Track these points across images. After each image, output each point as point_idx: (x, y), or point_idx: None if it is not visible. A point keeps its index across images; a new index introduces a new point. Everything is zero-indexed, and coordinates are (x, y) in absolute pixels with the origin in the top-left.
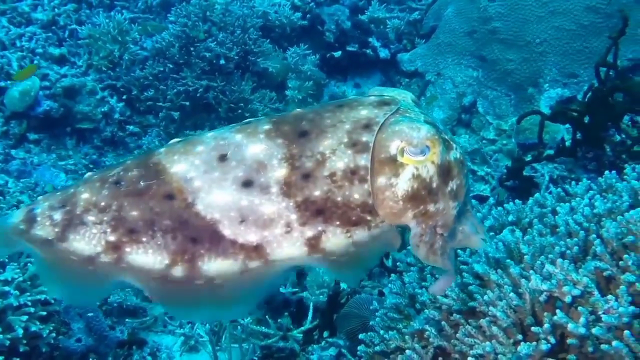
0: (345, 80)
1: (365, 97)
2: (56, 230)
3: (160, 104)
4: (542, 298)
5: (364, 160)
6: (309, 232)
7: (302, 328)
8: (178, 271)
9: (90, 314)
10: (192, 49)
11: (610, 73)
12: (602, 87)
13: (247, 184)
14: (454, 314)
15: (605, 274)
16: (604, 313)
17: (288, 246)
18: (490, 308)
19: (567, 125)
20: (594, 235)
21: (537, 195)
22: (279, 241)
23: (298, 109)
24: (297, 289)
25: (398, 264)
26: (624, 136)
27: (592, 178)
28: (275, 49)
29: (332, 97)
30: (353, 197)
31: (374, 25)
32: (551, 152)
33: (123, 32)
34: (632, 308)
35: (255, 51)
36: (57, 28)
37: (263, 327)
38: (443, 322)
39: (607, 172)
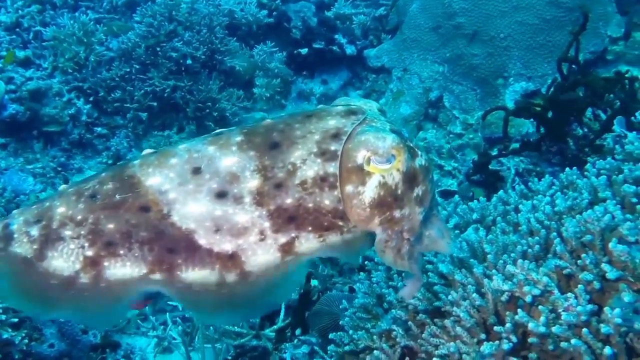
0: (313, 77)
1: (333, 107)
2: (34, 247)
3: (128, 105)
4: (503, 298)
5: (332, 168)
6: (282, 239)
7: (275, 327)
8: (157, 277)
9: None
10: (158, 49)
11: (573, 67)
12: (564, 82)
13: (221, 195)
14: (420, 314)
15: (565, 272)
16: (563, 311)
17: (262, 253)
18: (454, 308)
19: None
20: (555, 234)
21: (500, 192)
22: (254, 249)
23: (268, 120)
24: None
25: (367, 263)
26: (586, 130)
27: (556, 171)
28: (242, 47)
29: (299, 94)
30: (324, 203)
31: (340, 21)
32: (517, 145)
33: (88, 33)
34: (590, 306)
35: (222, 50)
36: (21, 30)
37: (235, 327)
38: (410, 322)
39: (568, 168)
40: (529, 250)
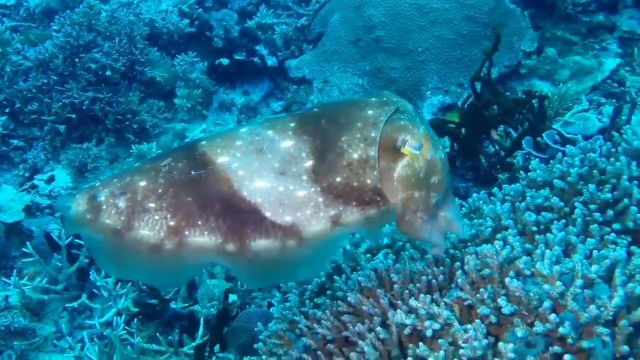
0: (234, 87)
1: (369, 99)
2: (122, 218)
3: (45, 117)
4: (406, 332)
5: (372, 152)
6: (332, 211)
7: (193, 344)
8: (230, 247)
9: None
10: (77, 60)
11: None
12: (477, 101)
13: (282, 172)
14: (329, 344)
15: (466, 303)
16: (463, 343)
17: (316, 224)
18: (359, 341)
19: None
20: (458, 263)
21: None
22: (309, 220)
23: (314, 108)
24: (187, 303)
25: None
26: (497, 148)
27: (469, 187)
28: (163, 56)
29: (221, 105)
30: (366, 182)
31: (261, 31)
32: None
33: (4, 42)
34: (485, 341)
35: (142, 60)
36: None
37: (154, 345)
38: (319, 352)
39: (474, 194)
40: (434, 280)
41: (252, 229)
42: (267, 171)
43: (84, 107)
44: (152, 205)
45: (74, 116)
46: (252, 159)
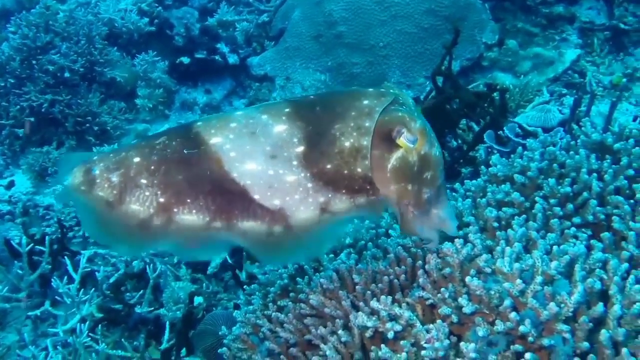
0: (196, 86)
1: (366, 89)
2: (114, 192)
3: (3, 121)
4: (368, 334)
5: (365, 142)
6: (321, 198)
7: (159, 348)
8: (217, 224)
9: None
10: (34, 62)
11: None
12: (439, 96)
13: (273, 156)
14: (292, 348)
15: (428, 302)
16: (425, 343)
17: (304, 210)
18: (322, 345)
19: None
20: (420, 262)
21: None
22: (297, 205)
23: (311, 96)
24: (153, 307)
25: (245, 287)
26: (460, 142)
27: None
28: (123, 56)
29: (183, 104)
30: (357, 170)
31: (222, 29)
32: None
33: None
34: (447, 342)
35: (102, 61)
36: None
37: (120, 351)
38: (282, 356)
39: None
40: (396, 280)
41: (240, 210)
42: (259, 154)
43: (42, 110)
44: (143, 181)
45: (32, 119)
46: (245, 141)
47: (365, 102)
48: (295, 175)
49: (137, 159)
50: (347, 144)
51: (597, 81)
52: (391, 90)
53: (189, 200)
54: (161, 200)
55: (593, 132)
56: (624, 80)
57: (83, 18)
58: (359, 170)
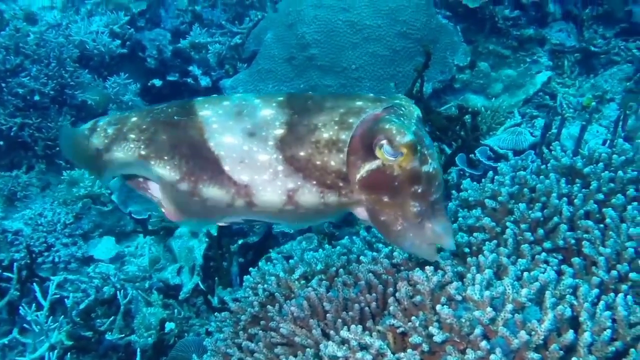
0: None
1: (366, 94)
2: (106, 141)
3: None
4: None
5: (344, 136)
6: (290, 184)
7: None
8: (184, 186)
9: None
10: (3, 84)
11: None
12: None
13: (251, 134)
14: None
15: (399, 330)
16: None
17: (271, 192)
18: None
19: None
20: (391, 289)
21: (345, 239)
22: (264, 185)
23: (310, 92)
24: (124, 334)
25: (216, 314)
26: None
27: None
28: (94, 78)
29: None
30: (330, 163)
31: (195, 51)
32: None
33: None
34: None
35: (72, 84)
36: None
37: None
38: None
39: None
40: (366, 308)
41: (209, 176)
42: (238, 130)
43: (12, 134)
44: (132, 136)
45: (1, 143)
46: (230, 117)
47: (359, 103)
48: (268, 155)
49: (134, 119)
50: (325, 135)
51: (568, 103)
52: (397, 101)
53: (166, 158)
54: (142, 152)
55: (563, 156)
56: (594, 103)
57: (54, 40)
58: (332, 163)
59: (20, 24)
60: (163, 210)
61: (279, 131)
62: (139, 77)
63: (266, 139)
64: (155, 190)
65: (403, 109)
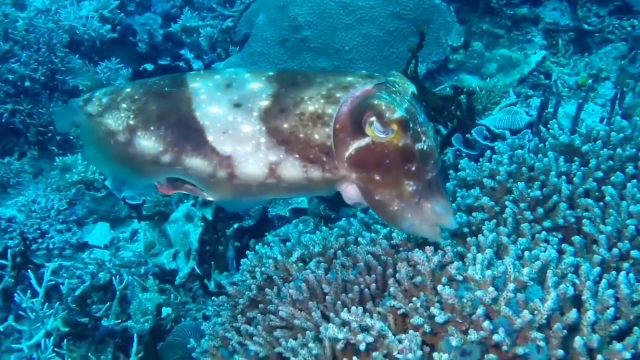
0: None
1: (359, 71)
2: (99, 109)
3: None
4: (339, 346)
5: (330, 110)
6: (272, 157)
7: None
8: (167, 158)
9: None
10: None
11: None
12: None
13: (237, 105)
14: None
15: (400, 312)
16: (398, 354)
17: (253, 164)
18: (292, 358)
19: None
20: (391, 270)
21: (342, 221)
22: (247, 157)
23: (302, 69)
24: (120, 319)
25: (213, 298)
26: None
27: None
28: (85, 64)
29: None
30: (313, 136)
31: (186, 34)
32: None
33: None
34: (419, 352)
35: (63, 69)
36: None
37: None
38: None
39: None
40: (366, 290)
41: (192, 147)
42: (225, 100)
43: (3, 120)
44: (124, 105)
45: None
46: (219, 89)
47: (349, 79)
48: (251, 126)
49: (128, 90)
50: (310, 108)
51: (563, 82)
52: (390, 78)
53: (152, 128)
54: (130, 122)
55: (561, 134)
56: (590, 81)
57: (43, 26)
58: (316, 137)
59: (8, 9)
60: (155, 183)
61: (264, 102)
62: (130, 61)
63: (251, 110)
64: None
65: (397, 85)
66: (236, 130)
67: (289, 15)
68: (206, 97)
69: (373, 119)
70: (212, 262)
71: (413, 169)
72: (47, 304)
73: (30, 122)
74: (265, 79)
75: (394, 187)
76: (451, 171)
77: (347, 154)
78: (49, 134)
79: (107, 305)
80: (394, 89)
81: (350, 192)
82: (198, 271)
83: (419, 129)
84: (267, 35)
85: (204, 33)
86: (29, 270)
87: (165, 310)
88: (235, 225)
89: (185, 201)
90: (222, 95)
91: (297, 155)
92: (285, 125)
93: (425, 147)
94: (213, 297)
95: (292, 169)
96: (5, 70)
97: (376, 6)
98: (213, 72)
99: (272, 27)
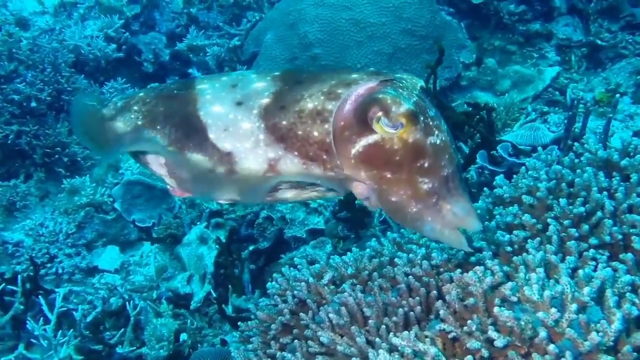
0: None
1: (367, 69)
2: (112, 112)
3: None
4: None
5: (330, 106)
6: (271, 154)
7: None
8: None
9: None
10: None
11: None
12: None
13: (239, 103)
14: None
15: (450, 336)
16: None
17: (253, 160)
18: None
19: None
20: (435, 292)
21: (373, 241)
22: (247, 153)
23: (310, 68)
24: (134, 346)
25: (240, 323)
26: None
27: None
28: (90, 84)
29: None
30: (312, 133)
31: (193, 53)
32: None
33: None
34: None
35: (69, 89)
36: None
37: None
38: None
39: None
40: (411, 313)
41: (194, 144)
42: (228, 99)
43: (9, 142)
44: (135, 108)
45: None
46: (224, 89)
47: (354, 76)
48: (250, 123)
49: (141, 94)
50: (310, 105)
51: (580, 98)
52: (397, 75)
53: (158, 127)
54: (138, 123)
55: (598, 149)
56: (618, 95)
57: (48, 45)
58: (315, 134)
59: (12, 29)
60: (168, 187)
61: (265, 100)
62: (136, 81)
63: (252, 107)
64: (155, 165)
65: (404, 81)
66: (236, 128)
67: (299, 33)
68: (211, 97)
69: (380, 114)
70: (229, 286)
71: (426, 165)
72: (60, 332)
73: (36, 143)
74: (270, 79)
75: (408, 185)
76: (485, 189)
77: (353, 151)
78: (56, 155)
79: (120, 331)
80: (400, 84)
81: (360, 187)
82: (214, 295)
83: (431, 123)
84: (276, 54)
85: (210, 52)
86: (39, 297)
87: (182, 336)
88: (251, 247)
89: (198, 223)
90: (226, 95)
91: (296, 153)
92: (284, 122)
93: (438, 142)
94: (240, 323)
95: (291, 166)
96: (11, 91)
97: (387, 23)
98: (221, 74)
99: (281, 45)
